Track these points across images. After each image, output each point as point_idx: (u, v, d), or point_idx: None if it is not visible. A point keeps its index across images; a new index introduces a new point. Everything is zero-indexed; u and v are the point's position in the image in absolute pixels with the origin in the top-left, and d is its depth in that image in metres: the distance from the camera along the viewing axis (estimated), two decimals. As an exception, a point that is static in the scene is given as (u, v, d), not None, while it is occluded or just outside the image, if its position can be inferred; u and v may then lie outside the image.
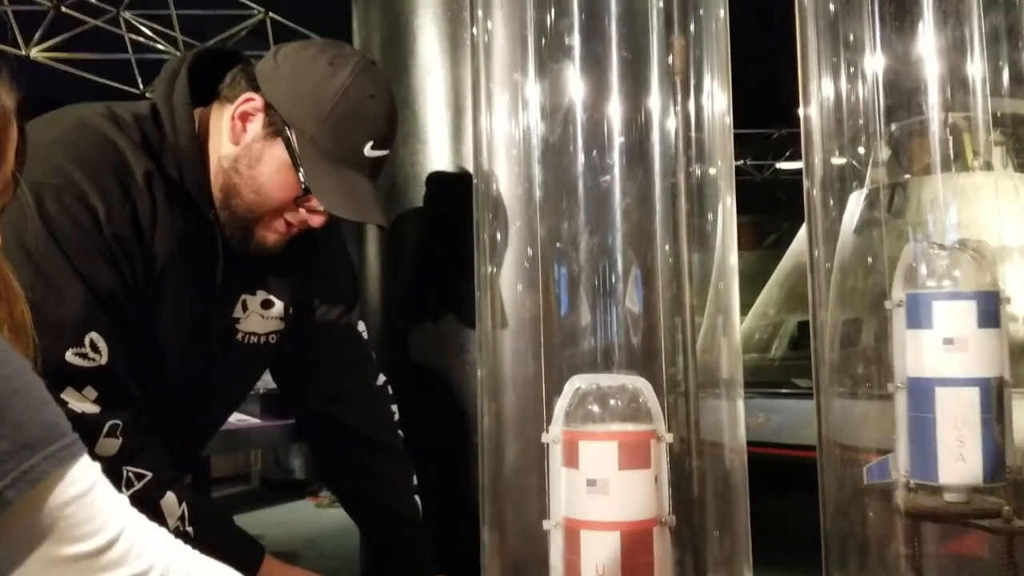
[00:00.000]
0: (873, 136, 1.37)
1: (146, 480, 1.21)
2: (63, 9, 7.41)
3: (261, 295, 1.42)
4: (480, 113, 1.28)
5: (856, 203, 1.40)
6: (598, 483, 1.05)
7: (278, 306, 1.44)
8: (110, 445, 1.18)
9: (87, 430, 1.15)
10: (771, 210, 10.75)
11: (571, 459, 1.07)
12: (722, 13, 1.28)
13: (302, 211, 1.31)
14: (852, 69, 1.36)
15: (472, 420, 1.28)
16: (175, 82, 1.31)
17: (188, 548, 0.83)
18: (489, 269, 1.25)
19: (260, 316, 1.42)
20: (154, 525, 0.81)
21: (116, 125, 1.26)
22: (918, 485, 1.19)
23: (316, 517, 6.83)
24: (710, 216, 1.25)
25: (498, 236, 1.28)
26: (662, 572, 1.07)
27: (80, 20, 7.61)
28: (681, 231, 1.25)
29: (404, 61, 1.75)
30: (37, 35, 7.57)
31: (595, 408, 1.09)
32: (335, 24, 2.09)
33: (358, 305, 1.59)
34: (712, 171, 1.25)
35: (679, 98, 1.23)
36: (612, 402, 1.09)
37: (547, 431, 1.11)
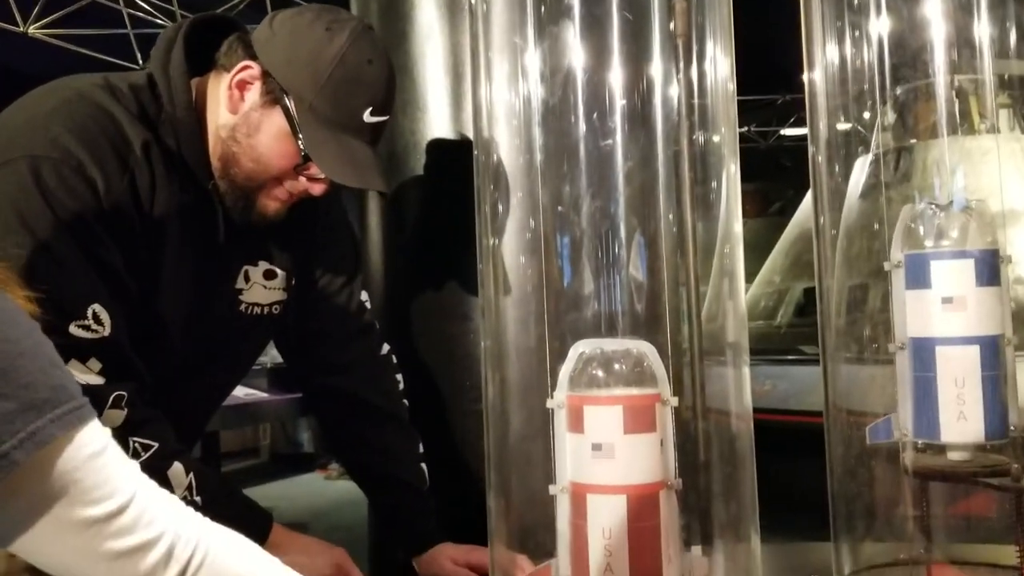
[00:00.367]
0: (879, 100, 1.35)
1: (153, 451, 1.21)
2: (61, -15, 7.37)
3: (263, 265, 1.42)
4: (479, 80, 1.26)
5: (861, 168, 1.39)
6: (603, 447, 1.05)
7: (280, 276, 1.44)
8: (115, 416, 1.18)
9: (92, 402, 1.14)
10: (776, 177, 10.71)
11: (576, 424, 1.07)
12: (724, -25, 1.26)
13: (302, 179, 1.30)
14: (856, 33, 1.34)
15: (477, 388, 1.27)
16: (171, 51, 1.30)
17: (199, 516, 0.83)
18: (491, 241, 1.25)
19: (263, 287, 1.42)
20: (165, 492, 0.82)
21: (112, 96, 1.25)
22: (925, 445, 1.19)
23: (325, 489, 6.88)
24: (714, 184, 1.23)
25: (499, 207, 1.27)
26: (668, 535, 1.07)
27: (78, -5, 7.56)
28: (685, 198, 1.24)
29: (402, 27, 1.73)
30: (35, 12, 7.53)
31: (599, 373, 1.09)
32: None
33: (360, 275, 1.59)
34: (716, 138, 1.24)
35: (681, 64, 1.21)
36: (616, 366, 1.09)
37: (551, 397, 1.11)
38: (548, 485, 1.11)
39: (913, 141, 1.50)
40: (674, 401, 1.09)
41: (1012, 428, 1.16)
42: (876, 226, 1.32)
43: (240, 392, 4.67)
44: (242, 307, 1.41)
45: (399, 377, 1.59)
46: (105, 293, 1.19)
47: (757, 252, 6.48)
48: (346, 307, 1.55)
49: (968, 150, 1.36)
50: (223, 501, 1.27)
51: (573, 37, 1.19)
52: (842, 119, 1.37)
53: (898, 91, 1.37)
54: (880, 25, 1.33)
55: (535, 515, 1.18)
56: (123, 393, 1.19)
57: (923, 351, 1.18)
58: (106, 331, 1.18)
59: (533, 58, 1.24)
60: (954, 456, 1.17)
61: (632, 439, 1.05)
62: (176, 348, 1.33)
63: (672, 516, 1.08)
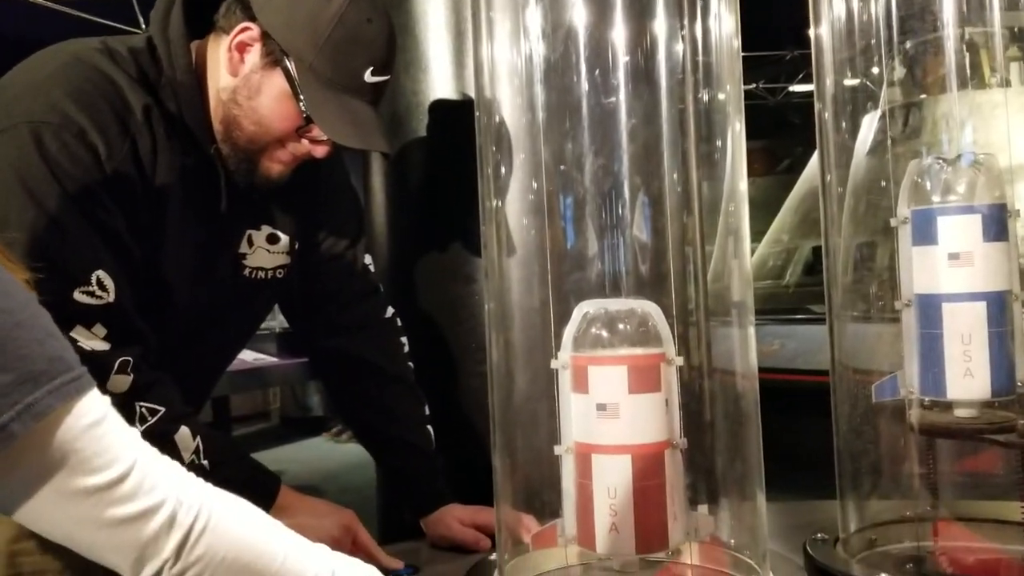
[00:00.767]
0: (887, 55, 1.33)
1: (159, 415, 1.22)
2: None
3: (266, 230, 1.41)
4: (480, 39, 1.25)
5: (870, 125, 1.37)
6: (608, 407, 1.05)
7: (284, 240, 1.44)
8: (121, 381, 1.19)
9: (98, 367, 1.15)
10: (784, 134, 10.62)
11: (580, 384, 1.07)
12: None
13: (304, 142, 1.29)
14: (864, -15, 1.32)
15: (482, 350, 1.27)
16: (170, 14, 1.29)
17: (202, 481, 0.83)
18: (494, 203, 1.24)
19: (266, 251, 1.42)
20: (167, 458, 0.82)
21: (112, 60, 1.24)
22: (931, 402, 1.19)
23: (335, 452, 6.93)
24: (719, 142, 1.22)
25: (502, 168, 1.26)
26: (674, 494, 1.07)
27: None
28: (690, 157, 1.23)
29: (403, -14, 1.71)
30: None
31: (604, 333, 1.09)
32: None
33: (364, 237, 1.59)
34: (721, 96, 1.22)
35: (686, 21, 1.20)
36: (621, 326, 1.09)
37: (556, 358, 1.11)
38: (553, 445, 1.12)
39: (922, 96, 1.48)
40: (679, 360, 1.09)
41: (1019, 385, 1.16)
42: (884, 183, 1.31)
43: (249, 356, 4.70)
44: (246, 271, 1.40)
45: (404, 340, 1.59)
46: (109, 259, 1.18)
47: (766, 211, 6.45)
48: (350, 269, 1.54)
49: (978, 104, 1.34)
50: (230, 464, 1.28)
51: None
52: (849, 75, 1.36)
53: (907, 45, 1.35)
54: (888, -24, 1.31)
55: (540, 475, 1.19)
56: (128, 358, 1.19)
57: (929, 308, 1.17)
58: (110, 297, 1.18)
59: (535, 15, 1.22)
60: (960, 413, 1.17)
61: (637, 399, 1.05)
62: (181, 313, 1.33)
63: (677, 475, 1.08)
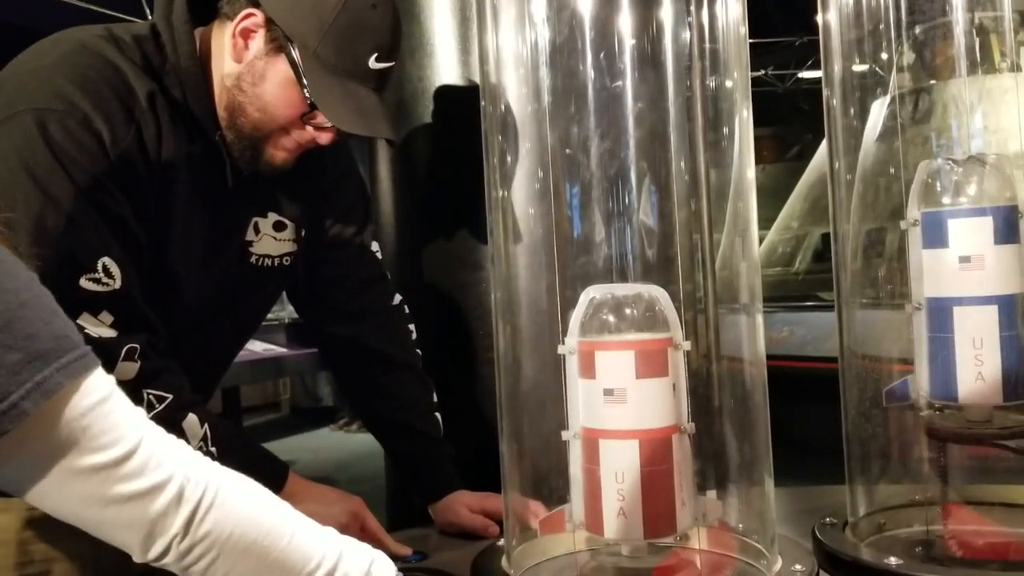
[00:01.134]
0: (895, 40, 1.32)
1: (167, 402, 1.22)
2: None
3: (272, 217, 1.41)
4: (485, 25, 1.24)
5: (879, 110, 1.36)
6: (615, 392, 1.04)
7: (290, 228, 1.43)
8: (129, 368, 1.19)
9: (105, 354, 1.14)
10: (794, 121, 10.56)
11: (587, 369, 1.07)
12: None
13: (309, 129, 1.29)
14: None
15: (489, 336, 1.27)
16: (174, 1, 1.28)
17: (209, 460, 0.83)
18: (500, 192, 1.23)
19: (273, 238, 1.42)
20: (172, 437, 0.82)
21: (116, 47, 1.24)
22: (942, 405, 1.18)
23: (345, 442, 6.96)
24: (726, 129, 1.22)
25: (508, 156, 1.26)
26: (682, 479, 1.07)
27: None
28: (697, 144, 1.22)
29: (408, -29, 1.70)
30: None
31: (611, 318, 1.08)
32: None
33: (370, 224, 1.58)
34: (728, 83, 1.22)
35: (692, 8, 1.19)
36: (628, 311, 1.08)
37: (563, 343, 1.10)
38: (561, 431, 1.11)
39: (932, 82, 1.47)
40: (686, 345, 1.09)
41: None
42: (893, 169, 1.30)
43: (259, 347, 4.72)
44: (252, 259, 1.40)
45: (411, 327, 1.59)
46: (115, 246, 1.18)
47: (775, 198, 6.44)
48: (357, 256, 1.54)
49: (988, 89, 1.33)
50: (238, 451, 1.28)
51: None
52: (858, 61, 1.35)
53: (916, 30, 1.34)
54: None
55: (548, 461, 1.19)
56: (135, 346, 1.20)
57: (940, 311, 1.16)
58: (116, 284, 1.18)
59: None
60: (972, 417, 1.16)
61: (644, 383, 1.04)
62: (187, 301, 1.33)
63: (685, 460, 1.08)
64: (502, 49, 1.23)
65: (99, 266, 1.16)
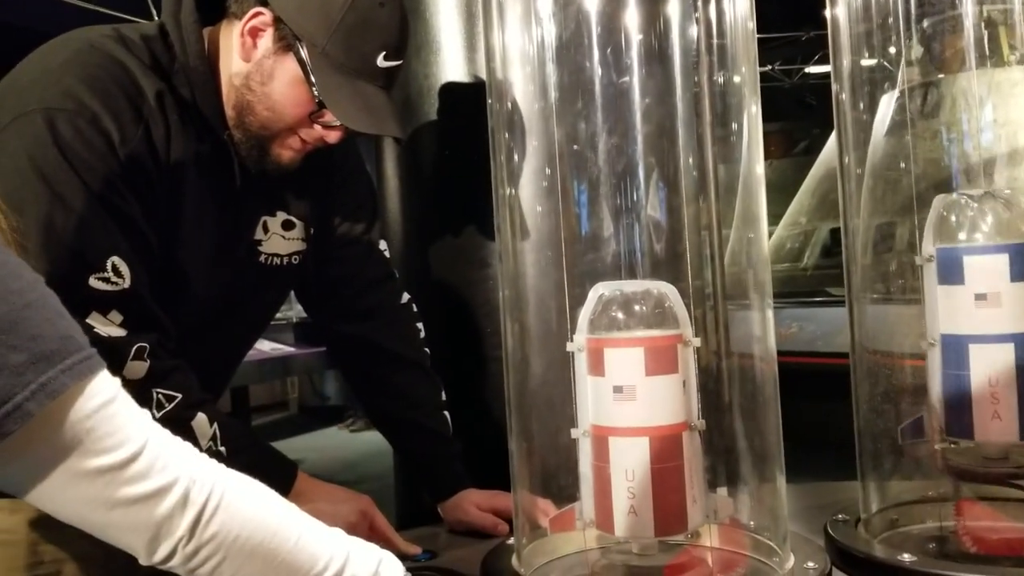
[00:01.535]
0: (904, 34, 1.32)
1: (176, 401, 1.22)
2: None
3: (281, 216, 1.41)
4: (491, 23, 1.24)
5: (888, 104, 1.36)
6: (625, 390, 1.04)
7: (299, 226, 1.43)
8: (138, 368, 1.19)
9: (114, 353, 1.15)
10: (801, 116, 10.52)
11: (596, 367, 1.07)
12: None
13: (317, 128, 1.29)
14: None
15: (498, 334, 1.27)
16: (182, 0, 1.28)
17: (215, 462, 0.83)
18: (507, 190, 1.23)
19: (282, 237, 1.42)
20: (178, 439, 0.81)
21: (124, 46, 1.24)
22: (957, 443, 1.17)
23: (353, 441, 6.97)
24: (735, 125, 1.21)
25: (515, 153, 1.25)
26: (692, 476, 1.06)
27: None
28: (705, 139, 1.21)
29: (414, -31, 1.70)
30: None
31: (619, 315, 1.08)
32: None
33: (378, 222, 1.58)
34: (736, 78, 1.21)
35: (699, 2, 1.18)
36: (637, 308, 1.08)
37: (571, 340, 1.10)
38: (570, 429, 1.11)
39: (940, 75, 1.46)
40: (696, 341, 1.08)
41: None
42: (902, 164, 1.29)
43: (267, 346, 4.73)
44: (261, 258, 1.40)
45: (420, 326, 1.59)
46: (124, 245, 1.18)
47: (783, 193, 6.41)
48: (365, 255, 1.54)
49: (997, 82, 1.32)
50: (248, 451, 1.28)
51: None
52: (866, 55, 1.34)
53: (924, 23, 1.33)
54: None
55: (558, 459, 1.18)
56: (145, 345, 1.20)
57: (956, 348, 1.15)
58: (126, 283, 1.18)
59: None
60: (988, 455, 1.15)
61: (654, 380, 1.04)
62: (197, 301, 1.33)
63: (696, 457, 1.07)
64: (508, 46, 1.22)
65: (108, 265, 1.17)
